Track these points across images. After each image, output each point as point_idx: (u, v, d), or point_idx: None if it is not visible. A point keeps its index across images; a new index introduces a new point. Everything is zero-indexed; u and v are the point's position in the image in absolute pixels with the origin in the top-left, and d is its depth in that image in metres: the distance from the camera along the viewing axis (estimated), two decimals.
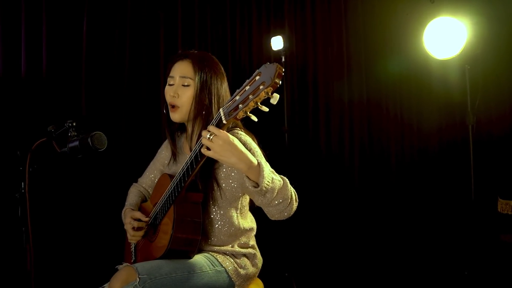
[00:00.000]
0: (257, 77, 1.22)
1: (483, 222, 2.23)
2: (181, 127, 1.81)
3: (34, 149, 1.70)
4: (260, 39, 3.21)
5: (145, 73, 3.12)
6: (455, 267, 2.45)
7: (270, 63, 1.21)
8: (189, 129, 1.69)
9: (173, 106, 1.63)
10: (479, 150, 2.30)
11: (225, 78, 1.65)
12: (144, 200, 1.90)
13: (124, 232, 1.99)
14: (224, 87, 1.63)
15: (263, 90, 1.18)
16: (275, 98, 1.20)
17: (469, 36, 2.15)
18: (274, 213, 1.40)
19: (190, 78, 1.58)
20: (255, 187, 1.32)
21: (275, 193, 1.34)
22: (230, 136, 1.31)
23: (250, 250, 1.68)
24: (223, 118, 1.28)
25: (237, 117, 1.25)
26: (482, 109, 2.33)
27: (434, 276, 2.58)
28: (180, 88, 1.60)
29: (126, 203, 1.84)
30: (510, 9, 2.31)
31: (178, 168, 1.73)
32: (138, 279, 1.40)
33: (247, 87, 1.24)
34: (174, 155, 1.77)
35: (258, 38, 3.21)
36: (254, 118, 1.26)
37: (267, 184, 1.32)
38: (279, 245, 2.80)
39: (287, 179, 1.40)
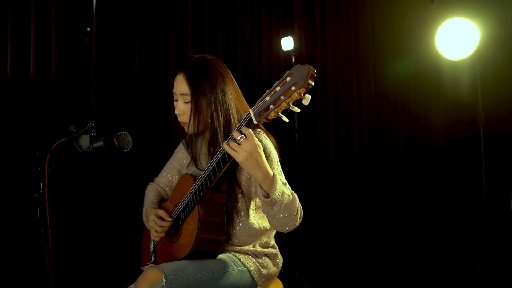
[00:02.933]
0: (288, 78, 1.23)
1: (495, 220, 2.26)
2: None
3: (54, 149, 1.70)
4: (270, 40, 3.22)
5: (155, 74, 3.12)
6: (467, 266, 2.47)
7: (300, 64, 1.22)
8: (206, 135, 1.69)
9: (181, 122, 1.64)
10: (490, 149, 2.33)
11: (229, 81, 1.58)
12: (162, 199, 1.89)
13: (140, 232, 1.99)
14: (228, 92, 1.57)
15: (296, 91, 1.19)
16: (307, 99, 1.21)
17: (481, 37, 2.17)
18: (277, 225, 1.43)
19: (188, 95, 1.55)
20: (266, 197, 1.35)
21: (282, 207, 1.36)
22: (258, 143, 1.32)
23: (271, 249, 1.69)
24: (253, 118, 1.29)
25: (269, 117, 1.26)
26: (492, 108, 2.35)
27: (447, 274, 2.60)
28: (183, 105, 1.58)
29: (145, 202, 1.83)
30: None
31: (197, 170, 1.74)
32: (164, 280, 1.40)
33: (278, 88, 1.25)
34: (194, 159, 1.76)
35: (267, 38, 3.22)
36: (285, 119, 1.27)
37: (276, 197, 1.34)
38: (289, 245, 2.81)
39: (296, 195, 1.42)
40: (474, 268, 2.36)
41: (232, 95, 1.58)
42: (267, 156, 1.51)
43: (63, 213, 2.56)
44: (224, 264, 1.55)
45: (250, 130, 1.29)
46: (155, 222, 1.63)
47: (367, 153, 3.05)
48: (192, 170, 1.76)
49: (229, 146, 1.33)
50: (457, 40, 2.19)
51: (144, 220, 1.78)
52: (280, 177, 1.49)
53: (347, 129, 3.16)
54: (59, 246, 1.91)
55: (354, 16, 3.13)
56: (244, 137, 1.30)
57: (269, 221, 1.47)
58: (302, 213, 1.45)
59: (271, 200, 1.35)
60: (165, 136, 3.03)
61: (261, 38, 3.22)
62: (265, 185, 1.35)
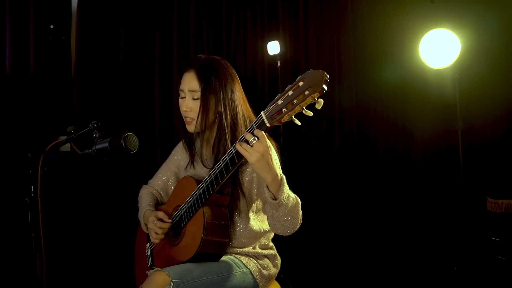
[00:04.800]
0: (301, 83, 1.26)
1: (472, 221, 2.40)
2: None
3: (48, 151, 1.63)
4: (255, 42, 3.23)
5: (140, 74, 3.06)
6: (446, 263, 2.61)
7: (313, 69, 1.25)
8: (206, 136, 1.69)
9: (187, 118, 1.63)
10: (468, 153, 2.47)
11: (237, 81, 1.63)
12: (157, 203, 1.86)
13: (133, 236, 1.95)
14: (236, 92, 1.61)
15: (310, 95, 1.22)
16: (320, 103, 1.25)
17: (461, 47, 2.31)
18: (278, 228, 1.46)
19: (198, 91, 1.57)
20: (273, 199, 1.38)
21: (287, 210, 1.39)
22: (270, 145, 1.34)
23: (270, 251, 1.71)
24: (265, 121, 1.30)
25: (282, 120, 1.28)
26: (468, 115, 2.50)
27: (426, 271, 2.73)
28: (191, 101, 1.60)
29: (141, 205, 1.79)
30: (500, 24, 2.51)
31: (196, 171, 1.73)
32: (172, 284, 1.39)
33: (290, 92, 1.27)
34: (192, 161, 1.76)
35: (252, 41, 3.23)
36: (298, 122, 1.30)
37: (283, 199, 1.37)
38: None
39: (299, 200, 1.45)
40: (452, 265, 2.50)
41: (239, 96, 1.62)
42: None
43: (52, 218, 2.45)
44: (227, 266, 1.56)
45: (263, 132, 1.31)
46: (154, 224, 1.60)
47: (348, 155, 3.11)
48: (191, 172, 1.75)
49: (241, 146, 1.33)
50: (439, 49, 2.31)
51: (142, 223, 1.75)
52: None
53: (328, 133, 3.20)
54: (49, 252, 1.83)
55: (336, 21, 3.17)
56: (256, 138, 1.31)
57: (270, 224, 1.48)
58: (302, 218, 1.47)
59: (278, 202, 1.37)
60: (150, 137, 2.98)
61: (246, 40, 3.23)
62: (272, 187, 1.38)
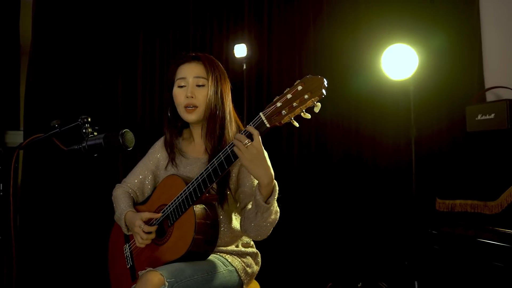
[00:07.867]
0: (300, 87, 1.33)
1: (422, 220, 2.63)
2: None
3: (25, 146, 1.53)
4: (221, 45, 3.24)
5: (101, 73, 2.93)
6: (398, 258, 2.83)
7: (311, 75, 1.34)
8: (203, 129, 1.68)
9: (189, 107, 1.64)
10: (419, 160, 2.70)
11: (229, 80, 1.72)
12: (133, 203, 1.80)
13: (105, 237, 1.87)
14: (229, 89, 1.70)
15: (310, 99, 1.30)
16: (318, 107, 1.33)
17: (419, 62, 2.55)
18: (252, 231, 1.49)
19: (205, 78, 1.63)
20: (266, 203, 1.38)
21: (270, 217, 1.43)
22: (262, 147, 1.35)
23: (252, 249, 1.76)
24: (265, 121, 1.35)
25: (282, 121, 1.34)
26: (420, 125, 2.75)
27: (380, 265, 2.93)
28: (195, 88, 1.63)
29: (120, 206, 1.72)
30: (447, 44, 2.81)
31: (179, 170, 1.72)
32: (166, 283, 1.38)
33: (289, 95, 1.34)
34: (173, 158, 1.75)
35: (218, 43, 3.24)
36: (296, 124, 1.37)
37: (273, 205, 1.40)
38: None
39: (279, 209, 1.49)
40: (403, 260, 2.74)
41: (230, 95, 1.69)
42: None
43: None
44: (215, 265, 1.58)
45: (254, 129, 1.33)
46: (141, 228, 1.56)
47: (306, 159, 3.21)
48: (173, 171, 1.73)
49: (237, 147, 1.35)
50: (400, 62, 2.52)
51: (122, 224, 1.69)
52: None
53: (287, 139, 3.27)
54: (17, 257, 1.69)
55: (299, 28, 3.28)
56: (250, 141, 1.33)
57: (245, 228, 1.51)
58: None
59: (269, 207, 1.39)
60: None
61: (212, 44, 3.23)
62: (264, 191, 1.38)
